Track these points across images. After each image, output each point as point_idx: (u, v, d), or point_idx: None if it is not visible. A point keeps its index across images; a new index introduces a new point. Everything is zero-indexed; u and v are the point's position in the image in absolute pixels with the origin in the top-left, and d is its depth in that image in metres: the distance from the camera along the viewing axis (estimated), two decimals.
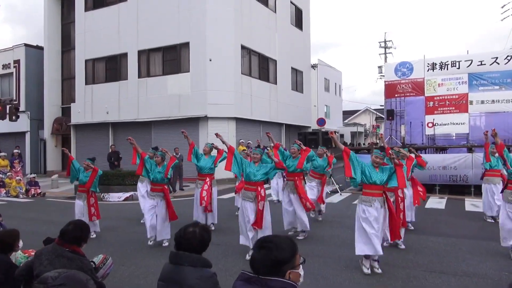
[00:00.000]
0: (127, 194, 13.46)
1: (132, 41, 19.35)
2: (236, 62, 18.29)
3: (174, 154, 14.91)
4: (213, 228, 8.26)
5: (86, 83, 21.13)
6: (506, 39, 56.40)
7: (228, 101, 17.74)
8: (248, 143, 17.84)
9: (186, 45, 18.08)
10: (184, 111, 17.88)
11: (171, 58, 18.66)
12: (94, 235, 7.91)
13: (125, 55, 19.73)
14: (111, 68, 20.43)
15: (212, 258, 6.04)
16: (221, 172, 12.78)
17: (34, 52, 24.22)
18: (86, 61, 21.09)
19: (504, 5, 27.40)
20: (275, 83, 21.56)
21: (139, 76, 19.35)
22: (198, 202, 8.32)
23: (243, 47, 18.76)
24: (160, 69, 19.01)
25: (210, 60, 17.48)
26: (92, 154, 18.98)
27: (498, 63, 16.65)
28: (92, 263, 3.29)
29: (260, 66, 20.39)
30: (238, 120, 18.36)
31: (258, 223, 6.19)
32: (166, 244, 7.18)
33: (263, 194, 6.26)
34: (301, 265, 1.98)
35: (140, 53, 19.29)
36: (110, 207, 12.09)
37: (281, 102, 21.84)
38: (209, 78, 17.54)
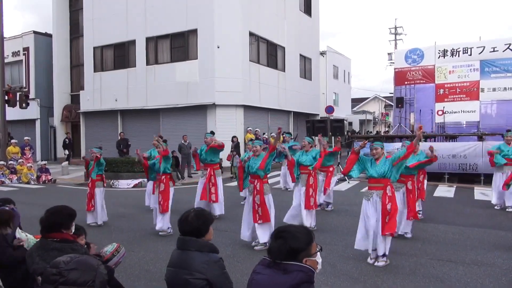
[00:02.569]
0: (136, 181, 13.59)
1: (140, 28, 19.30)
2: (244, 49, 18.18)
3: (182, 142, 14.99)
4: (216, 216, 8.11)
5: (95, 71, 21.19)
6: None
7: (236, 89, 17.69)
8: (256, 130, 17.84)
9: (194, 32, 17.99)
10: (192, 99, 17.88)
11: (179, 45, 18.60)
12: (100, 223, 7.99)
13: (133, 42, 19.71)
14: (119, 55, 20.44)
15: (220, 244, 6.12)
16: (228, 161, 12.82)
17: (43, 39, 24.30)
18: (95, 48, 21.12)
19: None
20: (283, 70, 21.41)
21: (147, 64, 19.34)
22: (199, 193, 8.38)
23: (251, 34, 18.62)
24: (168, 56, 18.97)
25: (218, 47, 17.38)
26: (101, 141, 19.23)
27: (511, 50, 16.33)
28: (104, 252, 3.35)
29: (268, 53, 20.24)
30: (246, 108, 18.32)
31: (253, 217, 6.16)
32: (170, 231, 7.20)
33: (258, 188, 6.16)
34: (318, 253, 2.05)
35: (148, 40, 19.25)
36: (119, 194, 12.23)
37: (289, 90, 21.72)
38: (217, 65, 17.47)
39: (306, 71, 24.12)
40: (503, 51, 16.46)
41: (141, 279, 5.08)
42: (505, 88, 16.45)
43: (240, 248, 6.25)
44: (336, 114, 26.19)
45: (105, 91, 20.71)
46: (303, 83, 23.58)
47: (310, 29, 24.60)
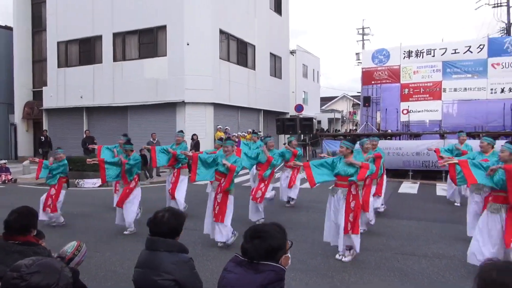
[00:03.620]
0: None
1: (107, 23, 18.79)
2: (214, 47, 18.08)
3: (151, 140, 14.75)
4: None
5: (59, 66, 20.47)
6: (479, 28, 57.65)
7: (206, 86, 17.57)
8: (226, 129, 17.80)
9: (163, 28, 17.71)
10: (161, 96, 17.62)
11: (148, 41, 18.26)
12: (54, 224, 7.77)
13: (99, 37, 19.17)
14: (85, 51, 19.83)
15: (190, 244, 6.07)
16: None
17: (3, 32, 23.22)
18: (59, 43, 20.39)
19: None
20: (254, 68, 21.45)
21: (115, 60, 18.88)
22: (167, 192, 8.37)
23: (221, 32, 18.53)
24: (136, 53, 18.59)
25: (188, 44, 17.20)
26: (66, 139, 18.63)
27: (471, 52, 17.05)
28: (64, 252, 3.24)
29: (239, 51, 20.22)
30: (216, 106, 18.24)
31: (215, 215, 6.16)
32: (129, 232, 7.10)
33: (223, 186, 6.19)
34: (289, 250, 2.08)
35: (115, 35, 18.78)
36: (84, 193, 11.90)
37: (259, 88, 21.79)
38: (186, 62, 17.28)
39: (276, 70, 24.28)
40: (464, 53, 17.17)
41: (108, 280, 4.97)
42: (465, 89, 17.16)
43: (210, 247, 6.23)
44: (306, 113, 26.52)
45: (69, 87, 20.04)
46: (273, 81, 23.72)
47: (280, 27, 24.76)
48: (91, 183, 13.26)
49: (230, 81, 19.20)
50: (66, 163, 7.99)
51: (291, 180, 9.15)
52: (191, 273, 2.52)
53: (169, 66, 17.57)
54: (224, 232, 6.14)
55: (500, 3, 26.46)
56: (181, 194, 8.38)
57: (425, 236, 6.82)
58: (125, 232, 7.09)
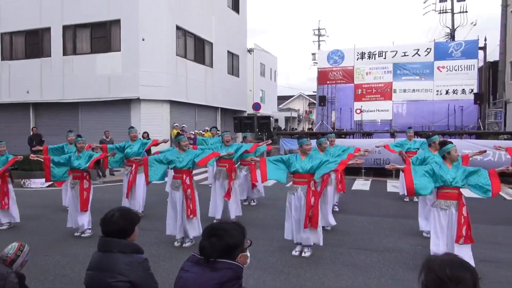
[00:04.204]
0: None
1: (56, 15, 17.89)
2: (171, 43, 17.76)
3: (104, 138, 14.24)
4: (141, 214, 7.91)
5: (3, 59, 19.23)
6: (427, 33, 60.80)
7: (162, 83, 17.22)
8: (183, 126, 17.55)
9: (116, 22, 17.13)
10: (115, 93, 17.05)
11: (100, 36, 17.59)
12: (5, 227, 7.33)
13: (48, 29, 18.22)
14: (32, 44, 18.77)
15: (145, 244, 5.94)
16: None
17: None
18: (2, 34, 19.16)
19: (426, 1, 29.43)
20: (211, 66, 21.31)
21: (64, 54, 18.02)
22: (125, 190, 8.12)
23: (178, 28, 18.23)
24: (88, 47, 17.86)
25: (143, 40, 16.77)
26: (11, 136, 17.53)
27: (419, 55, 17.96)
28: (5, 255, 3.05)
29: (196, 48, 20.00)
30: (173, 103, 17.94)
31: (192, 211, 6.10)
32: (88, 234, 6.84)
33: (188, 182, 6.15)
34: (247, 248, 2.07)
35: (65, 28, 17.93)
36: (32, 193, 11.27)
37: (217, 86, 21.67)
38: (141, 58, 16.85)
39: (233, 68, 24.26)
40: (412, 56, 18.05)
41: (57, 284, 4.75)
42: (413, 90, 18.05)
43: (166, 247, 6.12)
44: (263, 111, 26.72)
45: (15, 81, 18.89)
46: (230, 79, 23.69)
47: (238, 26, 24.75)
48: (39, 182, 12.57)
49: (187, 78, 18.94)
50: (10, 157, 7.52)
51: (253, 179, 9.15)
52: (146, 274, 2.46)
53: (123, 61, 17.04)
54: (197, 225, 6.13)
55: (445, 9, 28.02)
56: (140, 193, 8.16)
57: (376, 231, 7.10)
58: (79, 234, 6.80)
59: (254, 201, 9.47)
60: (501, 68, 22.90)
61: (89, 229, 6.84)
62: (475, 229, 5.09)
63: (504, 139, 14.66)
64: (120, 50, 17.14)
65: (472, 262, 4.74)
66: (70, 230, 6.97)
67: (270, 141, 8.72)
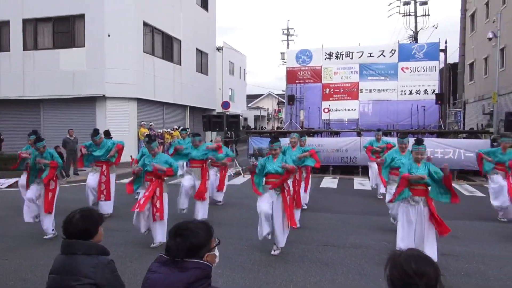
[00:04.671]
0: (12, 180, 12.06)
1: (16, 8, 17.09)
2: (138, 40, 17.38)
3: (68, 136, 13.78)
4: (106, 215, 7.66)
5: None
6: (392, 35, 62.55)
7: (129, 81, 16.83)
8: (151, 125, 17.25)
9: (81, 17, 16.58)
10: (79, 90, 16.50)
11: (64, 31, 16.98)
12: None
13: (6, 23, 17.37)
14: None
15: (111, 245, 5.78)
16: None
17: None
18: None
19: (390, 3, 30.31)
20: (179, 63, 21.03)
21: (25, 49, 17.25)
22: (90, 190, 7.94)
23: (145, 24, 17.87)
24: (50, 42, 17.18)
25: (109, 36, 16.32)
26: None
27: (384, 56, 18.46)
28: None
29: (164, 45, 19.68)
30: (140, 101, 17.57)
31: (158, 210, 6.03)
32: (51, 236, 6.60)
33: (157, 184, 6.11)
34: (216, 247, 2.05)
35: (26, 22, 17.16)
36: None
37: (185, 84, 21.42)
38: (107, 54, 16.39)
39: (202, 66, 24.05)
40: (378, 57, 18.53)
41: None
42: (379, 90, 18.53)
43: (133, 248, 6.00)
44: (232, 110, 26.66)
45: None
46: (199, 77, 23.47)
47: (206, 23, 24.55)
48: None
49: (155, 75, 18.61)
50: None
51: (221, 182, 9.16)
52: (112, 275, 2.40)
53: (88, 57, 16.52)
54: (164, 231, 6.05)
55: (409, 12, 29.00)
56: (112, 195, 8.00)
57: (344, 227, 7.25)
58: (46, 237, 6.55)
59: (220, 202, 9.44)
60: (460, 69, 23.94)
61: (52, 230, 6.60)
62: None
63: (463, 138, 15.35)
64: (84, 46, 16.60)
65: (435, 257, 4.95)
66: (31, 232, 6.70)
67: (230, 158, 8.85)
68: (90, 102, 16.57)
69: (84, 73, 16.49)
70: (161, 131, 18.48)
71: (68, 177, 13.24)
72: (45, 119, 17.08)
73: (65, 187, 11.32)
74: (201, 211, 7.51)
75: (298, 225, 7.11)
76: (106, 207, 7.94)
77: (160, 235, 6.03)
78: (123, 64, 16.65)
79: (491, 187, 7.96)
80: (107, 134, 8.57)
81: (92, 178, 8.03)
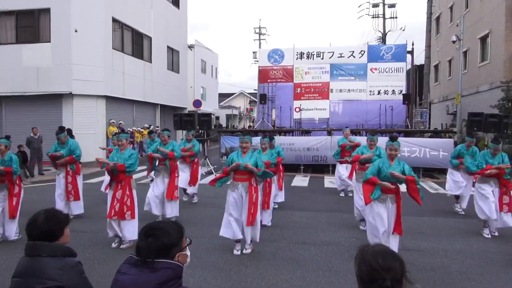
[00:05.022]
0: None
1: None
2: (107, 36, 16.96)
3: (32, 135, 13.28)
4: (72, 216, 7.46)
5: None
6: (361, 36, 63.96)
7: (97, 78, 16.39)
8: (120, 123, 16.90)
9: (46, 11, 16.01)
10: (44, 87, 15.93)
11: (27, 25, 16.33)
12: None
13: None
14: None
15: (78, 247, 5.64)
16: (88, 155, 11.89)
17: None
18: None
19: (360, 5, 30.94)
20: (150, 61, 20.68)
21: None
22: (58, 191, 7.67)
23: (114, 20, 17.45)
24: (12, 36, 16.50)
25: (76, 31, 15.84)
26: None
27: (354, 57, 18.84)
28: None
29: (134, 42, 19.29)
30: (109, 99, 17.16)
31: (116, 213, 5.90)
32: (16, 237, 6.33)
33: (123, 184, 5.98)
34: (187, 247, 2.04)
35: None
36: None
37: (156, 82, 21.09)
38: (74, 50, 15.90)
39: (173, 64, 23.76)
40: (348, 57, 18.89)
41: None
42: (349, 90, 18.91)
43: (101, 249, 5.86)
44: (204, 108, 26.52)
45: None
46: (170, 75, 23.17)
47: (178, 21, 24.26)
48: None
49: (124, 73, 18.22)
50: None
51: (193, 177, 9.11)
52: (79, 277, 2.33)
53: (53, 53, 15.97)
54: (133, 227, 5.96)
55: (378, 14, 29.71)
56: (80, 195, 7.76)
57: (314, 225, 7.36)
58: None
59: (195, 196, 9.38)
60: (426, 71, 24.79)
61: (16, 233, 6.34)
62: (403, 221, 5.45)
63: (429, 137, 15.88)
64: (50, 41, 16.04)
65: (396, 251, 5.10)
66: None
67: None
68: (56, 99, 16.04)
69: (49, 69, 15.94)
70: (131, 130, 18.13)
71: (32, 177, 12.77)
72: (7, 117, 16.41)
73: (29, 188, 10.92)
74: (169, 210, 7.45)
75: (269, 224, 7.17)
76: (76, 208, 7.70)
77: (131, 233, 5.91)
78: (91, 61, 16.20)
79: (453, 179, 8.48)
80: (69, 132, 8.21)
81: (58, 179, 7.76)
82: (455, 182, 8.47)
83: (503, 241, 6.44)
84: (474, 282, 4.82)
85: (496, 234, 6.75)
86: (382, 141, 7.26)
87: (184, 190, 9.29)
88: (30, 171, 12.82)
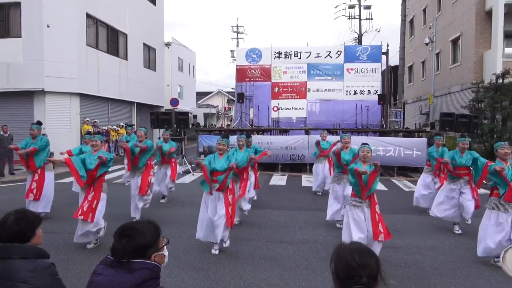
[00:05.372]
0: None
1: None
2: (80, 32, 16.55)
3: (2, 133, 12.83)
4: (42, 214, 7.18)
5: None
6: (338, 36, 64.69)
7: (70, 75, 15.98)
8: (95, 121, 16.54)
9: (16, 5, 15.48)
10: (15, 83, 15.41)
11: None
12: None
13: None
14: None
15: (52, 248, 5.52)
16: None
17: None
18: None
19: (337, 6, 31.31)
20: (126, 58, 20.32)
21: None
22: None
23: (88, 16, 17.05)
24: None
25: (48, 26, 15.39)
26: None
27: (331, 57, 19.06)
28: None
29: (109, 39, 18.90)
30: (83, 97, 16.76)
31: (82, 212, 5.72)
32: None
33: (95, 185, 5.83)
34: (165, 247, 2.01)
35: None
36: None
37: (132, 80, 20.74)
38: (46, 46, 15.44)
39: (150, 61, 23.42)
40: (325, 58, 19.10)
41: None
42: (325, 90, 19.12)
43: (76, 250, 5.72)
44: (181, 107, 26.26)
45: None
46: (147, 73, 22.84)
47: (154, 18, 23.93)
48: None
49: (99, 70, 17.83)
50: None
51: (173, 170, 9.15)
52: (52, 280, 2.27)
53: (25, 49, 15.46)
54: (94, 231, 5.82)
55: (354, 16, 30.17)
56: (48, 193, 7.50)
57: (292, 224, 7.41)
58: None
59: (164, 198, 9.31)
60: (400, 72, 25.34)
61: None
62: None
63: (403, 137, 16.25)
64: (20, 36, 15.52)
65: (378, 252, 5.19)
66: None
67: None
68: (27, 96, 15.55)
69: (20, 65, 15.43)
70: (106, 128, 17.78)
71: (3, 177, 12.34)
72: None
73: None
74: (141, 203, 7.43)
75: (237, 222, 7.08)
76: (42, 206, 7.40)
77: (91, 235, 5.81)
78: (64, 57, 15.77)
79: (422, 193, 8.53)
80: (39, 124, 7.90)
81: (29, 178, 7.52)
82: (423, 196, 8.45)
83: (473, 238, 6.65)
84: (446, 277, 4.96)
85: (460, 232, 6.95)
86: (357, 140, 7.38)
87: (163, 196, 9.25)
88: (0, 171, 12.39)
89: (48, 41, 15.45)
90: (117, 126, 18.67)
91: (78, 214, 5.68)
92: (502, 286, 4.65)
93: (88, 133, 9.47)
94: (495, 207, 5.33)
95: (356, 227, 5.24)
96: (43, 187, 7.39)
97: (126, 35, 20.21)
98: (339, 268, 1.68)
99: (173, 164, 9.40)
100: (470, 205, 6.75)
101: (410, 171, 14.84)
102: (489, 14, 17.86)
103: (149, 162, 7.76)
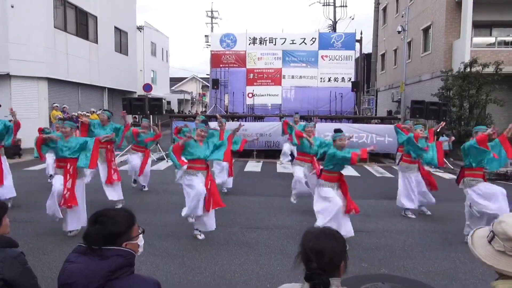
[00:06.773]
0: None
1: None
2: (47, 13, 15.86)
3: None
4: (10, 205, 6.78)
5: None
6: (313, 23, 64.77)
7: (37, 58, 15.35)
8: (64, 107, 16.01)
9: None
10: None
11: None
12: None
13: None
14: None
15: (22, 237, 5.38)
16: (30, 141, 11.22)
17: None
18: None
19: None
20: (96, 42, 19.67)
21: None
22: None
23: None
24: None
25: (12, 7, 14.66)
26: None
27: (306, 44, 19.10)
28: None
29: (78, 21, 18.21)
30: (51, 81, 16.17)
31: (65, 201, 5.63)
32: None
33: (71, 172, 5.71)
34: (140, 236, 1.99)
35: None
36: None
37: (103, 64, 20.14)
38: (11, 28, 14.74)
39: (122, 45, 22.77)
40: (300, 44, 19.12)
41: None
42: (300, 76, 19.19)
43: (46, 239, 5.58)
44: (154, 93, 25.77)
45: None
46: (118, 57, 22.22)
47: (126, 0, 23.20)
48: None
49: (68, 54, 17.21)
50: None
51: (143, 166, 8.83)
52: (22, 269, 2.21)
53: None
54: (77, 218, 5.74)
55: (328, 2, 30.23)
56: (7, 180, 7.19)
57: (267, 210, 7.47)
58: None
59: (144, 187, 9.14)
60: (373, 59, 25.74)
61: None
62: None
63: (375, 123, 16.59)
64: None
65: (352, 233, 5.34)
66: None
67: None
68: None
69: None
70: (76, 114, 17.27)
71: None
72: None
73: None
74: (113, 194, 7.26)
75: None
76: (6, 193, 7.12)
77: (75, 222, 5.70)
78: (30, 40, 15.12)
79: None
80: None
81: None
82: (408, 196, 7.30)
83: (441, 221, 6.93)
84: (415, 259, 5.15)
85: (429, 213, 7.35)
86: (331, 127, 7.45)
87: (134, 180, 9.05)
88: None
89: (13, 22, 14.74)
90: (87, 112, 18.15)
91: (62, 204, 5.56)
92: (466, 266, 4.87)
93: (60, 119, 9.15)
94: None
95: (333, 200, 5.39)
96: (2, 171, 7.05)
97: (96, 17, 19.53)
98: (300, 254, 1.73)
99: (146, 155, 8.99)
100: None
101: (382, 157, 15.21)
102: (459, 4, 18.28)
103: (110, 146, 7.57)
